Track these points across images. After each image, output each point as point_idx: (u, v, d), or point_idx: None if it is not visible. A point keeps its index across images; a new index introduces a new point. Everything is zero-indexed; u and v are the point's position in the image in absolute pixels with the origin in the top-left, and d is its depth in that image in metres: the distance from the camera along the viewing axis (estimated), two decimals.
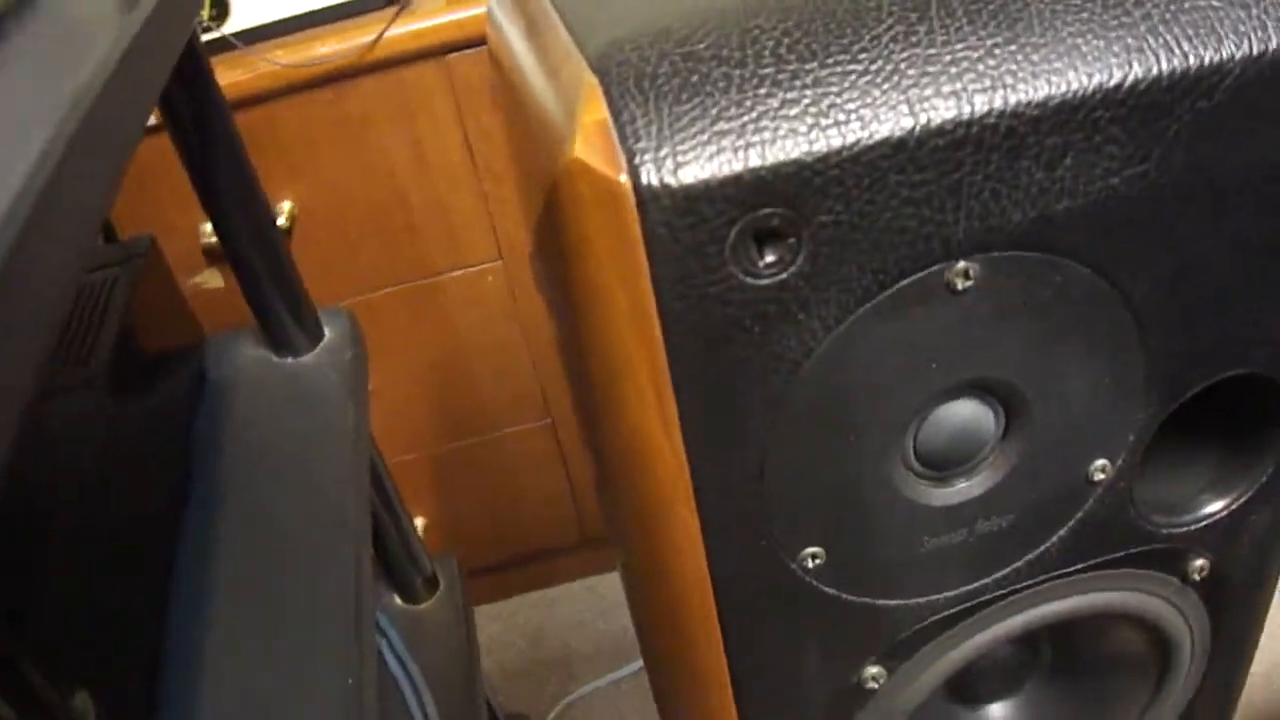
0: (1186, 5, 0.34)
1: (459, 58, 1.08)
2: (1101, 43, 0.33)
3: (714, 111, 0.32)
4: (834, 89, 0.32)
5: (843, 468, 0.39)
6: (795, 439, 0.38)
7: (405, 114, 1.11)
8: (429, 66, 1.08)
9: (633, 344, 0.35)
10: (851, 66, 0.33)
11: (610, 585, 1.57)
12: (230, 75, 1.03)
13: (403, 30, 1.05)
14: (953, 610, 0.46)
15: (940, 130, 0.32)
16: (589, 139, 0.32)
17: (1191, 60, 0.34)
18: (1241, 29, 0.34)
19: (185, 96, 0.66)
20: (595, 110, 0.32)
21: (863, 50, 0.33)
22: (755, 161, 0.31)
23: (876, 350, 0.36)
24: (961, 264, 0.35)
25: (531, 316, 1.28)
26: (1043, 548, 0.45)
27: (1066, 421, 0.41)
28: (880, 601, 0.44)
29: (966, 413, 0.40)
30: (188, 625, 0.63)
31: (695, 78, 0.32)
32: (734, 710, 0.48)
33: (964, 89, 0.32)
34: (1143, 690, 0.56)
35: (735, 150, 0.31)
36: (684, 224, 0.32)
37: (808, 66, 0.33)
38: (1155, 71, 0.34)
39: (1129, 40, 0.34)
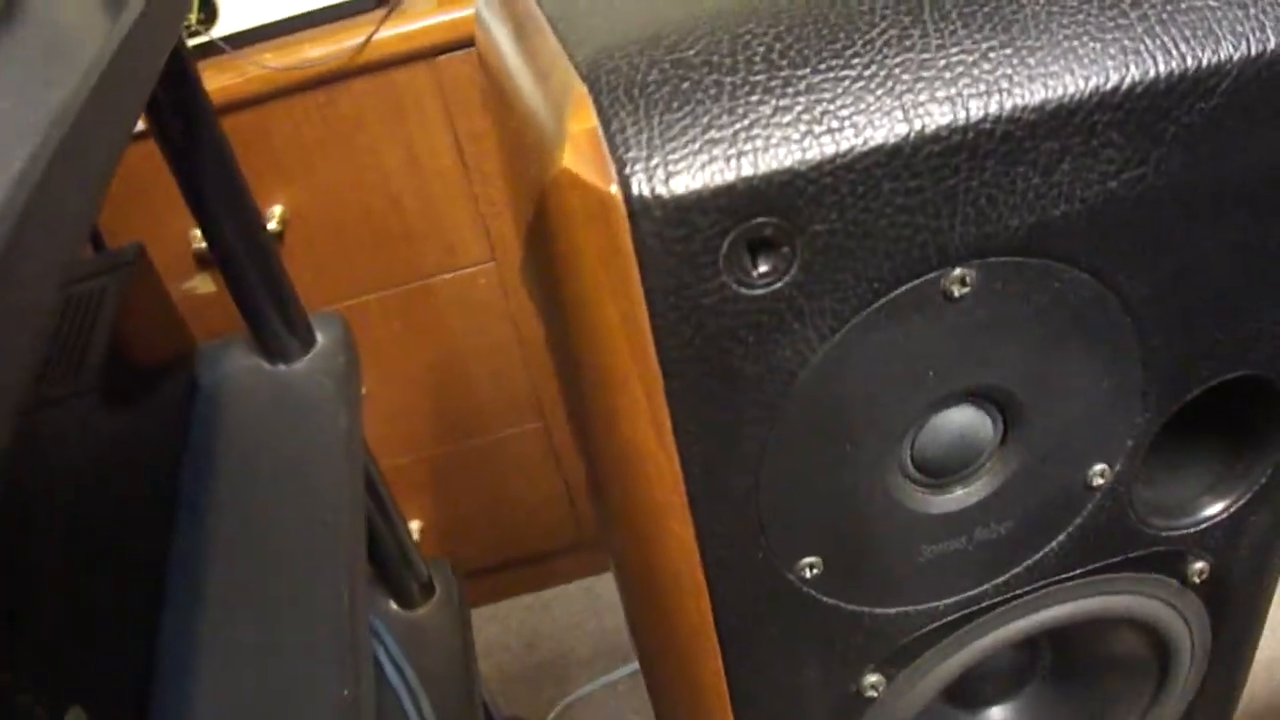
0: (1183, 6, 0.34)
1: (449, 59, 1.08)
2: (1098, 45, 0.33)
3: (705, 120, 0.31)
4: (827, 95, 0.32)
5: (839, 477, 0.39)
6: (791, 449, 0.37)
7: (396, 116, 1.10)
8: (419, 68, 1.07)
9: (625, 355, 0.34)
10: (845, 72, 0.32)
11: (607, 586, 1.56)
12: (219, 79, 1.02)
13: (392, 32, 1.04)
14: (952, 617, 0.46)
15: (935, 136, 0.32)
16: (578, 149, 0.31)
17: (1189, 62, 0.33)
18: (1239, 29, 0.34)
19: (172, 102, 0.65)
20: (585, 119, 0.31)
21: (856, 55, 0.32)
22: (748, 170, 0.31)
23: (873, 359, 0.36)
24: (958, 271, 0.35)
25: (525, 318, 1.27)
26: (1042, 553, 0.45)
27: (1065, 427, 0.41)
28: (879, 610, 0.44)
29: (964, 420, 0.40)
30: (181, 636, 0.62)
31: (686, 85, 0.32)
32: (732, 717, 0.48)
33: (959, 94, 0.32)
34: (1143, 693, 0.56)
35: (727, 159, 0.31)
36: (676, 235, 0.31)
37: (800, 72, 0.32)
38: (1153, 74, 0.33)
39: (1126, 42, 0.33)
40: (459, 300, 1.24)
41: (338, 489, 0.71)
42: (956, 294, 0.35)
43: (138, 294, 0.71)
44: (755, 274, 0.33)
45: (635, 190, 0.31)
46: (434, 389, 1.31)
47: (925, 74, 0.32)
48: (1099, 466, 0.43)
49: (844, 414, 0.37)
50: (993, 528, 0.43)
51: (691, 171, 0.31)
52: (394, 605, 0.97)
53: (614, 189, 0.31)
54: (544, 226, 0.34)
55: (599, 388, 0.37)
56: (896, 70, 0.32)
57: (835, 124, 0.31)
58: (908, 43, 0.33)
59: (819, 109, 0.32)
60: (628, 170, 0.31)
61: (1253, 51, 0.34)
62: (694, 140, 0.31)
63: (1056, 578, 0.46)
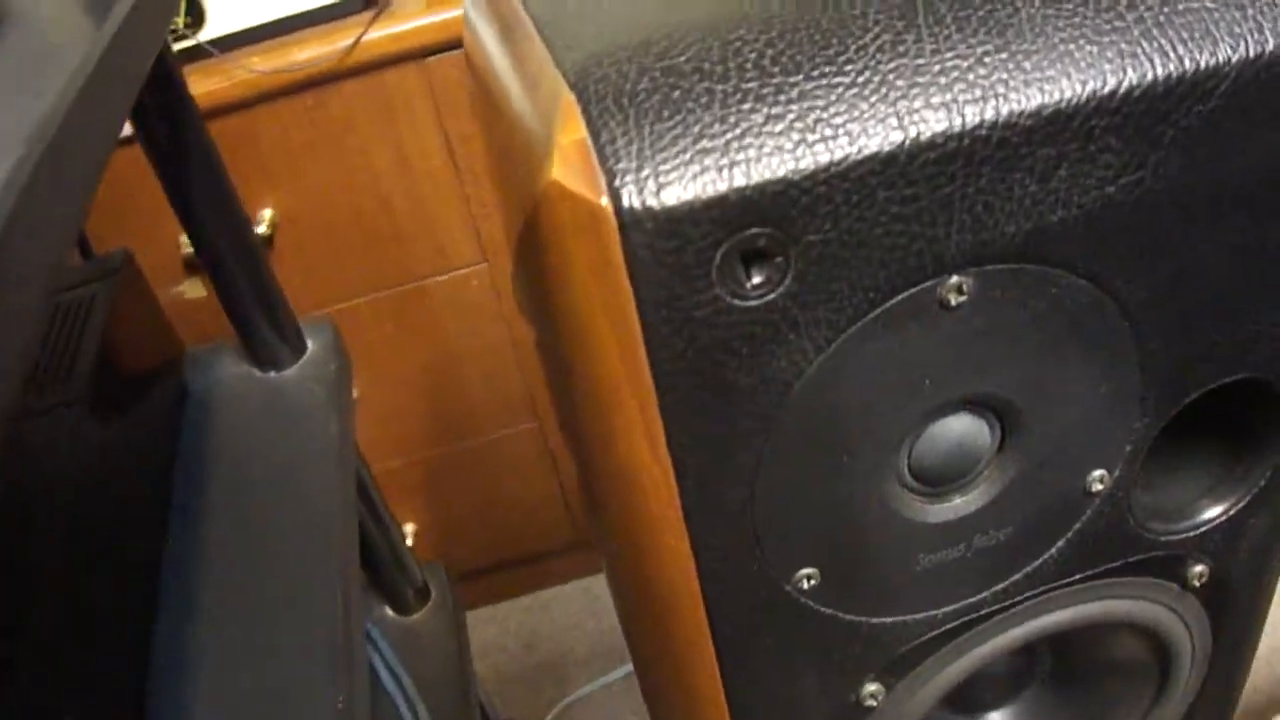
0: (1180, 7, 0.33)
1: (439, 60, 1.07)
2: (1095, 48, 0.32)
3: (696, 129, 0.31)
4: (820, 103, 0.31)
5: (836, 488, 0.38)
6: (787, 460, 0.37)
7: (386, 118, 1.09)
8: (409, 69, 1.07)
9: (618, 368, 0.34)
10: (838, 79, 0.31)
11: (603, 586, 1.56)
12: (208, 83, 1.02)
13: (381, 33, 1.03)
14: (951, 625, 0.45)
15: (931, 144, 0.31)
16: (567, 160, 0.31)
17: (1187, 64, 0.33)
18: (1237, 30, 0.33)
19: (157, 106, 0.64)
20: (573, 130, 0.31)
21: (849, 61, 0.32)
22: (740, 181, 0.30)
23: (869, 369, 0.35)
24: (954, 279, 0.34)
25: (518, 319, 1.27)
26: (1041, 559, 0.45)
27: (1063, 433, 0.40)
28: (877, 619, 0.43)
29: (961, 428, 0.39)
30: (175, 644, 0.62)
31: (676, 93, 0.31)
32: None
33: (954, 100, 0.31)
34: (1143, 696, 0.56)
35: (719, 169, 0.30)
36: (668, 246, 0.31)
37: (792, 79, 0.31)
38: (1150, 77, 0.32)
39: (1123, 45, 0.33)
40: (451, 302, 1.24)
41: (330, 496, 0.70)
42: (953, 302, 0.34)
43: (127, 301, 0.71)
44: (749, 285, 0.32)
45: (626, 202, 0.30)
46: (427, 391, 1.31)
47: (920, 80, 0.32)
48: (1098, 472, 0.42)
49: (840, 424, 0.37)
50: (991, 535, 0.42)
51: (683, 182, 0.30)
52: (389, 611, 0.96)
53: (604, 201, 0.30)
54: (533, 238, 0.33)
55: (591, 399, 0.36)
56: (890, 76, 0.32)
57: (829, 132, 0.31)
58: (901, 48, 0.32)
59: (812, 117, 0.31)
60: (618, 182, 0.30)
61: (1251, 53, 0.33)
62: (685, 150, 0.30)
63: (1056, 583, 0.46)
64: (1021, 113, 0.32)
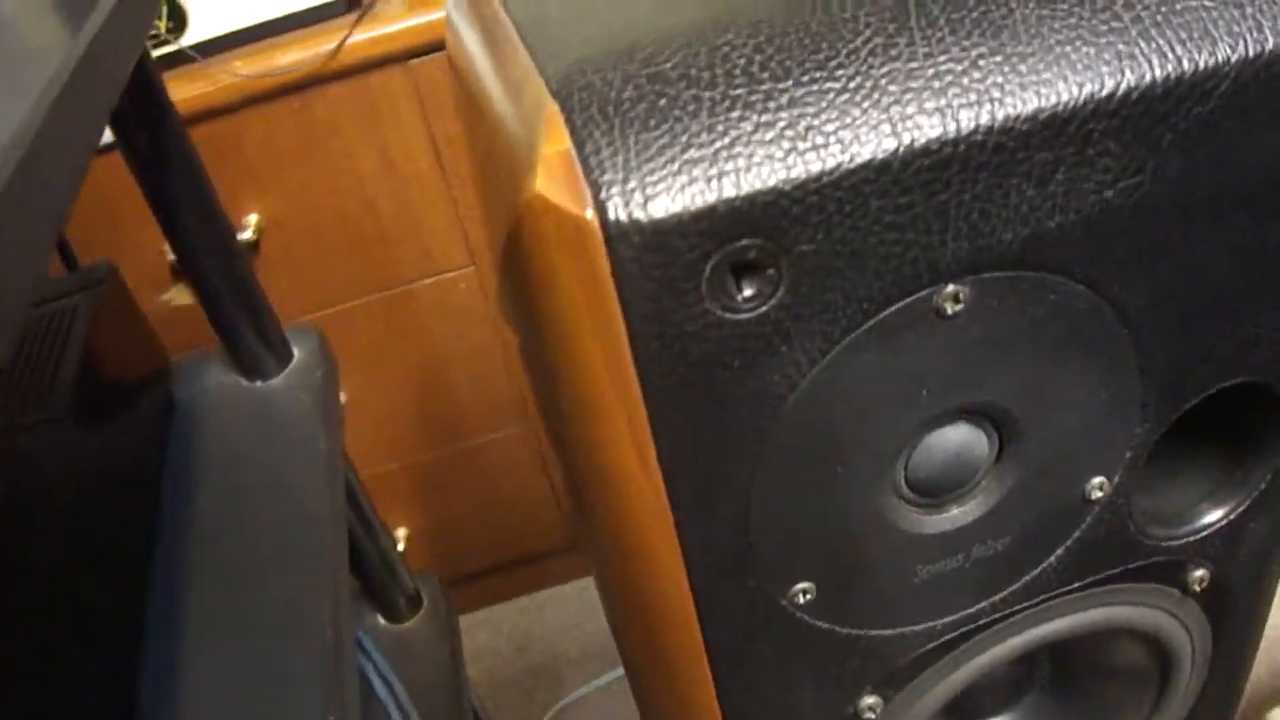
0: (1179, 7, 0.33)
1: (423, 62, 1.06)
2: (1091, 50, 0.32)
3: (684, 138, 0.30)
4: (811, 109, 0.30)
5: (831, 500, 0.38)
6: (781, 474, 0.36)
7: (371, 121, 1.08)
8: (393, 72, 1.05)
9: (607, 383, 0.33)
10: (829, 84, 0.31)
11: None
12: (191, 88, 1.00)
13: (364, 36, 1.02)
14: (950, 636, 0.45)
15: (925, 150, 0.30)
16: (551, 172, 0.30)
17: (1186, 65, 0.32)
18: (1236, 30, 0.33)
19: (137, 113, 0.63)
20: (557, 140, 0.30)
21: (840, 66, 0.31)
22: (729, 191, 0.29)
23: (864, 380, 0.34)
24: (951, 287, 0.33)
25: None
26: (1041, 568, 0.44)
27: (1062, 441, 0.40)
28: (874, 632, 0.43)
29: (959, 438, 0.38)
30: (162, 657, 0.61)
31: (663, 101, 0.30)
32: None
33: (949, 105, 0.31)
34: (1144, 701, 0.55)
35: (708, 180, 0.29)
36: (656, 260, 0.30)
37: (782, 86, 0.31)
38: (1149, 79, 0.32)
39: (1120, 47, 0.32)
40: (439, 305, 1.23)
41: (319, 504, 0.69)
42: (949, 311, 0.34)
43: (110, 312, 0.69)
44: (740, 298, 0.31)
45: (612, 215, 0.29)
46: (417, 395, 1.30)
47: (913, 84, 0.31)
48: (1097, 479, 0.41)
49: (835, 436, 0.36)
50: (990, 545, 0.42)
51: (670, 194, 0.29)
52: (381, 619, 0.95)
53: (590, 214, 0.29)
54: (518, 250, 0.32)
55: (577, 408, 0.36)
56: (883, 81, 0.31)
57: (820, 140, 0.30)
58: (894, 52, 0.31)
59: (803, 124, 0.30)
60: (603, 194, 0.29)
61: (1251, 52, 0.32)
62: (672, 160, 0.29)
63: (1056, 591, 0.45)
64: (1018, 117, 0.31)
